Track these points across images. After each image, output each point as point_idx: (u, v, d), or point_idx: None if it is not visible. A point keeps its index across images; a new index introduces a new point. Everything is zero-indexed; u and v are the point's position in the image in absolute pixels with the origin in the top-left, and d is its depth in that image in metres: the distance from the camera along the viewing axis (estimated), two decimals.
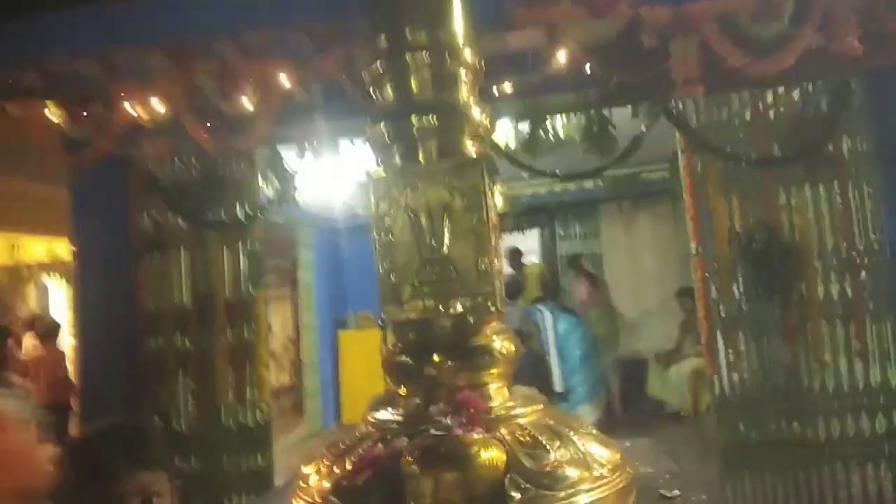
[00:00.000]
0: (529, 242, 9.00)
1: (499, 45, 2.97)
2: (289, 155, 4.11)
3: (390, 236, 2.03)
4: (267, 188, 4.07)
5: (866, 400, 3.63)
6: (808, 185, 3.81)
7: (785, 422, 3.70)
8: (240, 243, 4.10)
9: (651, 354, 7.64)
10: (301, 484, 1.97)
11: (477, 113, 2.09)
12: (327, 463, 1.94)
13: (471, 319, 2.01)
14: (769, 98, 3.82)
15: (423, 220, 2.02)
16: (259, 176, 4.10)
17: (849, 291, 3.69)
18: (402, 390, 2.07)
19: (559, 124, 4.08)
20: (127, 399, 4.02)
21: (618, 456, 1.95)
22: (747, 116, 3.85)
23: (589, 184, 7.91)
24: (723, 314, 3.78)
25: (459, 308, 1.97)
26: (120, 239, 4.14)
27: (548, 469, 1.76)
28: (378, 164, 2.16)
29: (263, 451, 4.03)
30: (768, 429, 3.71)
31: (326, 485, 1.85)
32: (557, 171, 3.92)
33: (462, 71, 2.09)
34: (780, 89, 3.78)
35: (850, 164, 3.77)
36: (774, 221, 3.80)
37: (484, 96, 2.26)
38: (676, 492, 1.90)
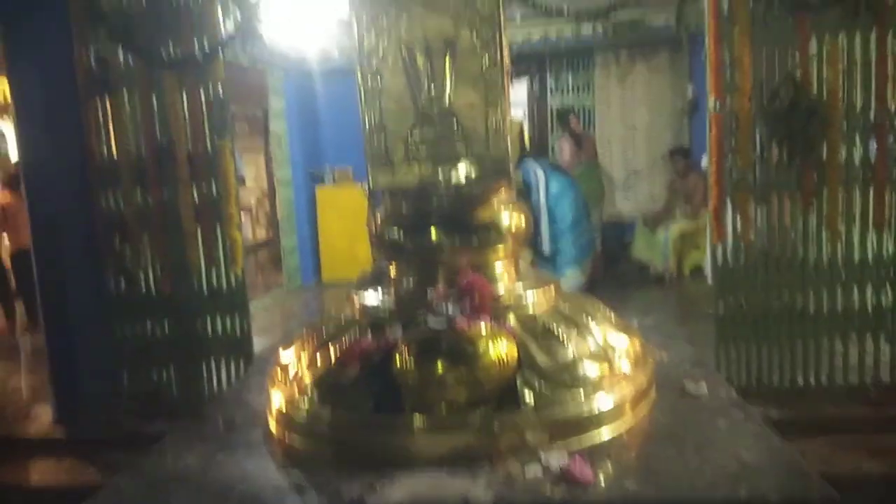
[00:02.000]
0: (517, 94, 8.45)
1: None
2: None
3: (378, 81, 1.62)
4: (227, 21, 3.51)
5: (875, 272, 3.45)
6: (845, 34, 3.37)
7: (788, 292, 3.53)
8: (200, 86, 3.60)
9: (637, 215, 7.45)
10: (279, 372, 1.70)
11: None
12: (308, 350, 1.66)
13: (477, 188, 1.66)
14: None
15: (421, 60, 1.60)
16: (218, 6, 3.51)
17: (873, 156, 3.37)
18: (394, 269, 1.76)
19: None
20: (86, 257, 3.70)
21: (639, 345, 1.70)
22: None
23: (587, 29, 7.28)
24: (735, 176, 3.46)
25: (463, 174, 1.62)
26: (63, 79, 3.61)
27: (564, 366, 1.50)
28: None
29: (239, 315, 3.79)
30: (769, 299, 3.54)
31: (308, 378, 1.58)
32: (566, 9, 3.39)
33: None
34: None
35: (893, 10, 3.32)
36: (802, 75, 3.39)
37: None
38: (703, 388, 1.67)
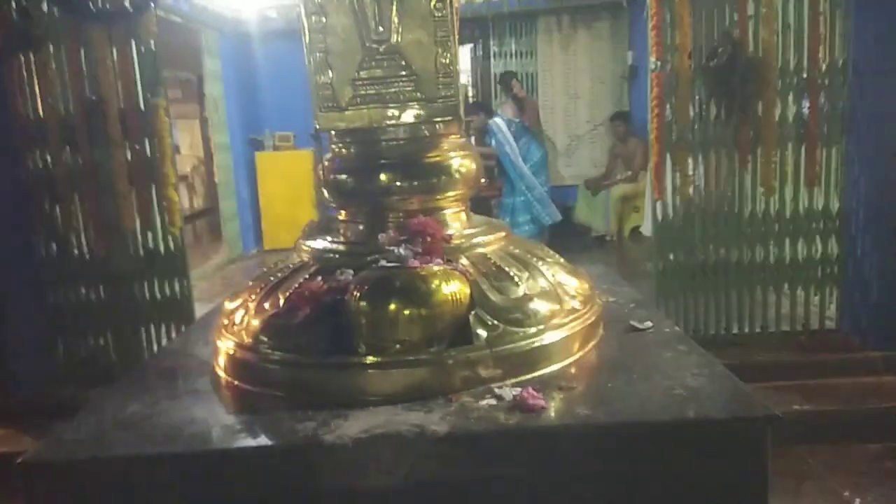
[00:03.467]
0: (461, 60, 8.40)
1: None
2: None
3: (323, 20, 1.57)
4: None
5: (805, 225, 3.61)
6: None
7: (724, 246, 3.66)
8: (131, 41, 3.43)
9: (579, 181, 7.57)
10: (225, 321, 1.66)
11: None
12: (255, 298, 1.62)
13: (426, 130, 1.64)
14: None
15: None
16: None
17: (805, 113, 3.51)
18: (343, 215, 1.73)
19: None
20: (14, 221, 3.51)
21: (587, 286, 1.73)
22: None
23: None
24: (675, 134, 3.55)
25: (412, 115, 1.59)
26: None
27: (517, 303, 1.51)
28: None
29: (179, 279, 3.68)
30: (706, 252, 3.67)
31: (256, 323, 1.55)
32: None
33: None
34: None
35: None
36: (740, 35, 3.48)
37: None
38: (649, 323, 1.72)
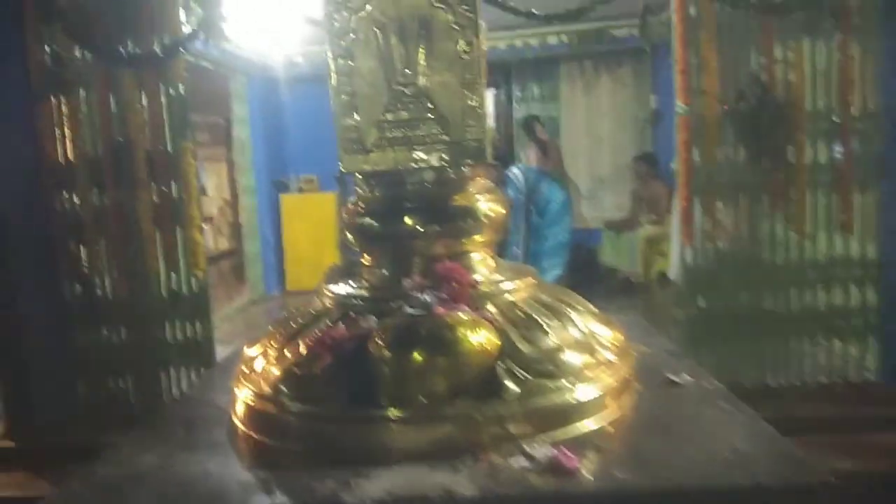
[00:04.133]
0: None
1: None
2: None
3: (349, 61, 1.56)
4: (189, 18, 3.40)
5: (841, 272, 3.49)
6: (808, 38, 3.43)
7: (755, 293, 3.54)
8: (160, 85, 3.48)
9: (602, 223, 7.52)
10: (244, 369, 1.60)
11: None
12: (276, 345, 1.57)
13: (453, 173, 1.60)
14: None
15: (394, 39, 1.54)
16: (179, 2, 3.40)
17: (837, 157, 3.43)
18: (367, 259, 1.69)
19: None
20: (40, 262, 3.53)
21: (621, 336, 1.66)
22: None
23: (553, 39, 7.36)
24: (703, 178, 3.48)
25: (439, 157, 1.55)
26: (16, 76, 3.45)
27: (547, 354, 1.44)
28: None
29: (201, 321, 3.64)
30: (737, 300, 3.55)
31: (276, 371, 1.49)
32: (534, 10, 3.37)
33: None
34: None
35: (856, 16, 3.39)
36: (768, 78, 3.43)
37: None
38: (686, 377, 1.63)
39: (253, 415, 1.48)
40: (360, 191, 1.68)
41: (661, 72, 7.39)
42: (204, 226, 9.85)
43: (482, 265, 1.65)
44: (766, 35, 3.42)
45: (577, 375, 1.43)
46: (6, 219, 3.48)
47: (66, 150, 3.50)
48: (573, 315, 1.58)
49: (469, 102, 1.54)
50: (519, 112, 8.18)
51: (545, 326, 1.49)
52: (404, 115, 1.55)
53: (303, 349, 1.47)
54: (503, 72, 8.01)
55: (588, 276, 6.97)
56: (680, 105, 3.51)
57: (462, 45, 1.53)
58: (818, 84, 3.43)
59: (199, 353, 3.66)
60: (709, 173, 3.47)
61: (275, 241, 7.43)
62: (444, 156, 1.55)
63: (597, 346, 1.53)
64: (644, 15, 4.84)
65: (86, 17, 3.38)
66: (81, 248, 3.55)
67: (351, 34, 1.54)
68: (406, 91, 1.55)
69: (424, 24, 1.53)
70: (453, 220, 1.59)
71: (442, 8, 1.52)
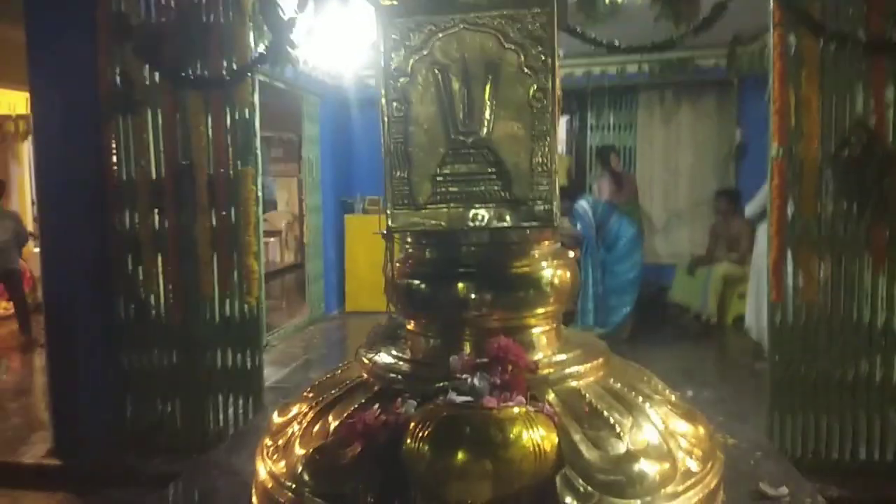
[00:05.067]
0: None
1: None
2: (287, 4, 3.34)
3: (405, 107, 1.38)
4: (259, 42, 3.33)
5: None
6: None
7: (852, 359, 3.17)
8: (226, 108, 3.43)
9: (677, 259, 7.12)
10: (269, 442, 1.44)
11: None
12: (306, 416, 1.40)
13: (514, 236, 1.40)
14: None
15: (456, 84, 1.36)
16: (250, 26, 3.35)
17: None
18: (412, 325, 1.50)
19: None
20: (97, 281, 3.52)
21: (704, 433, 1.40)
22: None
23: (632, 67, 7.07)
24: (798, 229, 3.15)
25: (500, 218, 1.36)
26: (85, 95, 3.47)
27: (618, 462, 1.21)
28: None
29: (251, 349, 3.55)
30: (831, 365, 3.19)
31: (300, 452, 1.32)
32: (617, 42, 3.14)
33: None
34: None
35: None
36: (877, 123, 3.08)
37: None
38: (784, 490, 1.36)
39: (271, 502, 1.30)
40: (409, 249, 1.50)
41: (748, 104, 6.98)
42: (271, 239, 9.88)
43: (544, 342, 1.43)
44: (877, 76, 3.08)
45: (652, 491, 1.20)
46: (66, 235, 3.49)
47: (130, 169, 3.49)
48: (649, 409, 1.35)
49: (538, 158, 1.33)
50: (593, 140, 7.89)
51: (616, 426, 1.26)
52: (463, 168, 1.36)
53: (332, 430, 1.29)
54: (578, 97, 7.75)
55: (657, 316, 6.61)
56: (775, 147, 3.20)
57: (534, 92, 1.33)
58: None
59: (248, 381, 3.57)
60: (804, 224, 3.14)
61: (337, 261, 7.38)
62: (505, 217, 1.35)
63: (677, 451, 1.28)
64: (733, 45, 4.53)
65: (157, 39, 3.36)
66: (139, 268, 3.53)
67: (408, 76, 1.37)
68: (466, 142, 1.36)
69: (492, 67, 1.34)
70: (512, 290, 1.39)
71: (513, 49, 1.33)
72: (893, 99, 3.11)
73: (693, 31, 3.13)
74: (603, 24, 3.26)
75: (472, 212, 1.37)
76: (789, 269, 3.18)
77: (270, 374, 4.45)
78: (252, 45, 3.38)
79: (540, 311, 1.42)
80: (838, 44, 3.06)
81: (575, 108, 8.01)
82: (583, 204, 5.95)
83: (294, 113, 6.99)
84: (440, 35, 1.35)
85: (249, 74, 3.37)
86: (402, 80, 1.37)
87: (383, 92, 1.39)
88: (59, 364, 3.53)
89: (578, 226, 5.87)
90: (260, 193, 3.51)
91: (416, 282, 1.44)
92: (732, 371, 4.95)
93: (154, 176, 3.48)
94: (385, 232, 1.41)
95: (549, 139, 1.34)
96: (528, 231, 1.40)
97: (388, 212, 1.41)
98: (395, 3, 1.35)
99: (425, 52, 1.36)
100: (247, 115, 3.43)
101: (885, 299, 3.13)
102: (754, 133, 6.57)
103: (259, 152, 3.48)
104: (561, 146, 8.19)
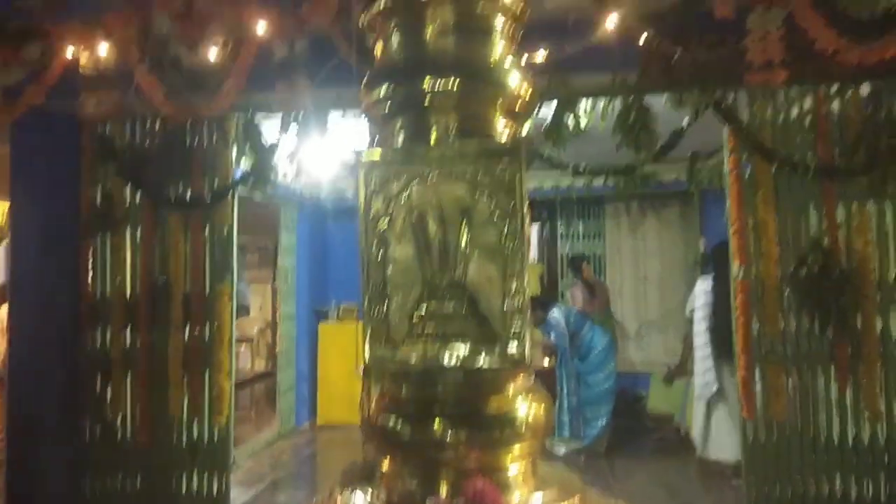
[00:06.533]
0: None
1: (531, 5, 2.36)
2: (269, 125, 3.49)
3: (384, 249, 1.45)
4: (242, 162, 3.45)
5: None
6: (873, 202, 3.26)
7: (825, 477, 3.17)
8: (206, 226, 3.48)
9: (651, 368, 7.15)
10: None
11: (515, 79, 1.50)
12: None
13: (490, 374, 1.44)
14: (835, 96, 3.25)
15: (432, 228, 1.44)
16: (233, 148, 3.47)
17: None
18: (387, 464, 1.50)
19: (581, 109, 3.47)
20: (63, 401, 3.42)
21: None
22: (807, 117, 3.28)
23: (598, 180, 7.35)
24: (763, 347, 3.22)
25: (475, 358, 1.39)
26: (65, 211, 3.52)
27: None
28: (373, 144, 1.56)
29: (219, 471, 3.44)
30: (805, 484, 3.18)
31: None
32: (582, 167, 3.32)
33: (498, 18, 1.49)
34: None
35: None
36: (831, 242, 3.24)
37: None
38: None
39: None
40: (385, 386, 1.52)
41: (710, 214, 7.26)
42: (242, 347, 9.64)
43: (520, 480, 1.44)
44: (828, 198, 3.26)
45: None
46: (36, 353, 3.43)
47: (105, 288, 3.49)
48: None
49: (510, 299, 1.39)
50: (564, 248, 8.10)
51: None
52: (439, 308, 1.42)
53: None
54: (548, 206, 8.01)
55: (635, 427, 6.55)
56: (736, 266, 3.32)
57: (505, 235, 1.41)
58: (886, 250, 3.23)
59: None
60: (770, 342, 3.22)
61: (310, 372, 7.27)
62: (480, 356, 1.39)
63: None
64: (692, 162, 4.80)
65: (140, 159, 3.47)
66: (107, 388, 3.45)
67: (387, 221, 1.44)
68: (442, 283, 1.42)
69: (465, 212, 1.42)
70: (488, 429, 1.41)
71: (485, 196, 1.41)
72: (845, 220, 3.29)
73: (653, 157, 3.34)
74: (568, 145, 3.46)
75: (448, 351, 1.40)
76: (758, 385, 3.23)
77: (236, 497, 4.27)
78: (233, 163, 3.49)
79: (516, 449, 1.43)
80: (790, 168, 3.26)
81: (545, 217, 8.26)
82: (555, 314, 6.02)
83: (271, 219, 7.09)
84: (417, 183, 1.44)
85: (230, 193, 3.45)
86: (381, 224, 1.44)
87: (363, 235, 1.45)
88: (18, 488, 3.37)
89: (552, 335, 5.92)
90: (234, 308, 3.51)
91: (392, 420, 1.46)
92: (713, 485, 4.88)
93: (129, 294, 3.47)
94: (361, 370, 1.44)
95: (519, 280, 1.41)
96: (503, 369, 1.43)
97: (367, 348, 1.44)
98: (377, 158, 1.44)
99: (403, 199, 1.44)
100: (225, 234, 3.48)
101: (853, 414, 3.18)
102: (721, 240, 6.80)
103: (236, 269, 3.52)
104: (532, 254, 8.38)
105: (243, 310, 11.68)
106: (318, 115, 3.32)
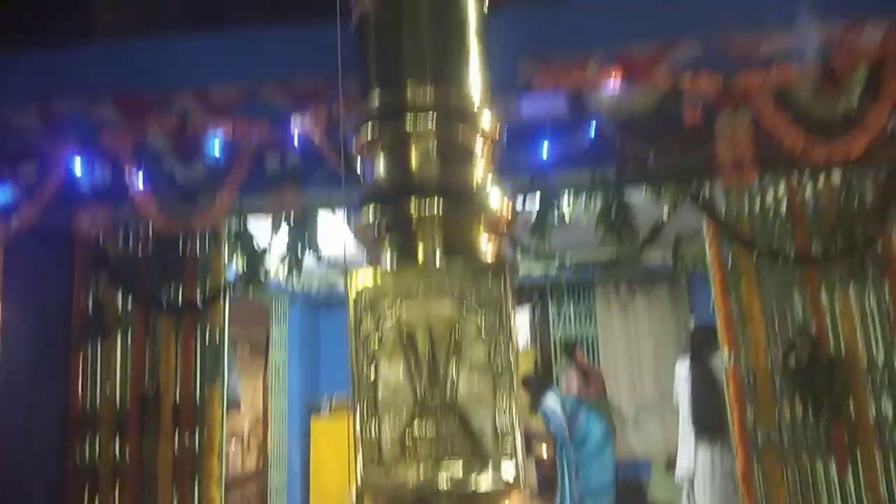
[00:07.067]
0: (519, 322, 8.42)
1: (510, 113, 2.48)
2: (260, 226, 3.54)
3: (374, 368, 1.46)
4: (233, 266, 3.49)
5: None
6: (853, 287, 3.32)
7: None
8: (197, 330, 3.48)
9: (652, 456, 7.01)
10: None
11: (496, 198, 1.57)
12: None
13: (484, 496, 1.42)
14: (808, 185, 3.37)
15: (422, 346, 1.45)
16: (224, 253, 3.52)
17: None
18: None
19: (564, 203, 3.56)
20: None
21: None
22: (783, 206, 3.39)
23: (586, 266, 7.46)
24: (760, 439, 3.20)
25: (467, 479, 1.39)
26: (56, 320, 3.52)
27: None
28: (363, 264, 1.60)
29: None
30: None
31: None
32: (568, 260, 3.39)
33: (479, 141, 1.56)
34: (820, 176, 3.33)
35: None
36: (818, 328, 3.27)
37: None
38: None
39: None
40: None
41: (698, 294, 7.32)
42: (233, 445, 9.40)
43: None
44: (811, 285, 3.32)
45: None
46: (22, 466, 3.34)
47: (95, 398, 3.44)
48: None
49: (502, 417, 1.40)
50: (556, 331, 8.07)
51: None
52: (431, 428, 1.42)
53: None
54: (539, 290, 8.05)
55: None
56: (726, 352, 3.34)
57: (493, 353, 1.43)
58: (872, 334, 3.27)
59: None
60: (766, 432, 3.20)
61: (302, 471, 7.07)
62: (473, 477, 1.38)
63: None
64: (676, 246, 4.88)
65: (132, 266, 3.50)
66: (95, 501, 3.35)
67: (377, 340, 1.46)
68: (434, 402, 1.42)
69: (454, 331, 1.44)
70: None
71: (472, 314, 1.44)
72: (828, 304, 3.33)
73: (635, 249, 3.42)
74: (555, 234, 3.53)
75: (441, 472, 1.39)
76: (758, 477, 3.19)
77: None
78: (225, 267, 3.53)
79: None
80: (770, 256, 3.33)
81: (536, 300, 8.28)
82: (550, 403, 5.93)
83: (262, 314, 7.08)
84: (406, 301, 1.47)
85: (221, 297, 3.47)
86: (371, 343, 1.46)
87: (354, 355, 1.47)
88: None
89: (550, 425, 5.81)
90: (224, 411, 3.46)
91: None
92: None
93: (118, 403, 3.42)
94: (355, 496, 1.42)
95: (509, 398, 1.42)
96: (496, 490, 1.42)
97: (358, 470, 1.43)
98: (367, 278, 1.48)
99: (392, 319, 1.46)
100: (217, 337, 3.48)
101: (856, 500, 3.12)
102: (709, 320, 6.81)
103: (226, 370, 3.49)
104: (524, 339, 8.35)
105: (234, 404, 11.42)
106: (308, 215, 3.39)
